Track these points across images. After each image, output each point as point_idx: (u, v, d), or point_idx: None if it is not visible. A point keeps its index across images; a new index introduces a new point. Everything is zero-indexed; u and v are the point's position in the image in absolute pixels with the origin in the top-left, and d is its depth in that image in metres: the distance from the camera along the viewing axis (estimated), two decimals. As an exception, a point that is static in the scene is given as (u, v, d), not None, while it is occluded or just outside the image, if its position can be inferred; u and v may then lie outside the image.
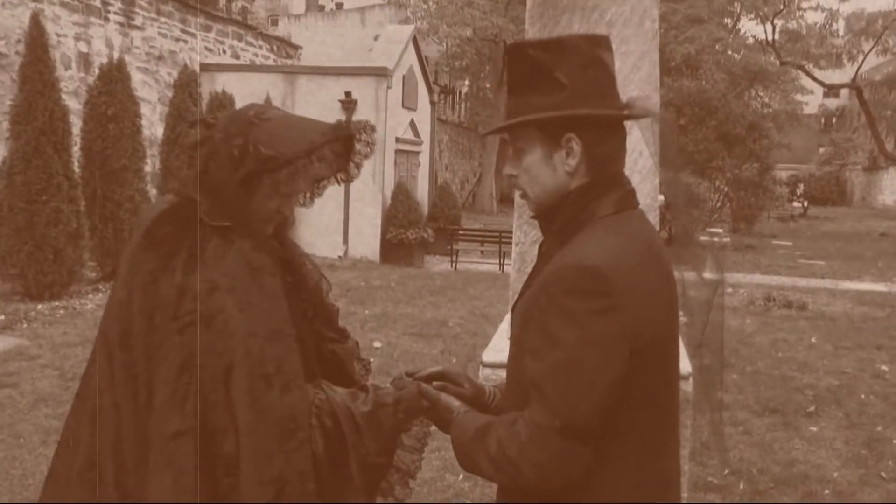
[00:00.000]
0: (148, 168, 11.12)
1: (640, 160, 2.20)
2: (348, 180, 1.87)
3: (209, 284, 1.61)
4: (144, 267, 1.65)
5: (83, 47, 12.64)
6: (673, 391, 1.52)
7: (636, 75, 2.30)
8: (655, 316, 1.41)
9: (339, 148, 1.75)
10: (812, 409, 5.99)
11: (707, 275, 1.62)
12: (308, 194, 1.89)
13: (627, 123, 1.52)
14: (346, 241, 15.34)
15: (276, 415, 1.59)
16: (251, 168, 1.67)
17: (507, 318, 2.71)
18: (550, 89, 1.45)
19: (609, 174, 1.49)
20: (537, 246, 1.64)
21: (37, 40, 9.15)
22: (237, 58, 16.98)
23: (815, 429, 5.55)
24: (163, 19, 14.58)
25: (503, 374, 1.65)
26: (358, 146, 1.79)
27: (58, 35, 11.95)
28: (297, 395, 1.62)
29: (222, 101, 12.09)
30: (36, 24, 9.21)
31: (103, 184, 10.20)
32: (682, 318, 1.58)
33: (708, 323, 1.60)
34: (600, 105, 1.45)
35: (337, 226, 15.21)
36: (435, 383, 1.73)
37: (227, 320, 1.60)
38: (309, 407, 1.64)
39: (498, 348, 2.49)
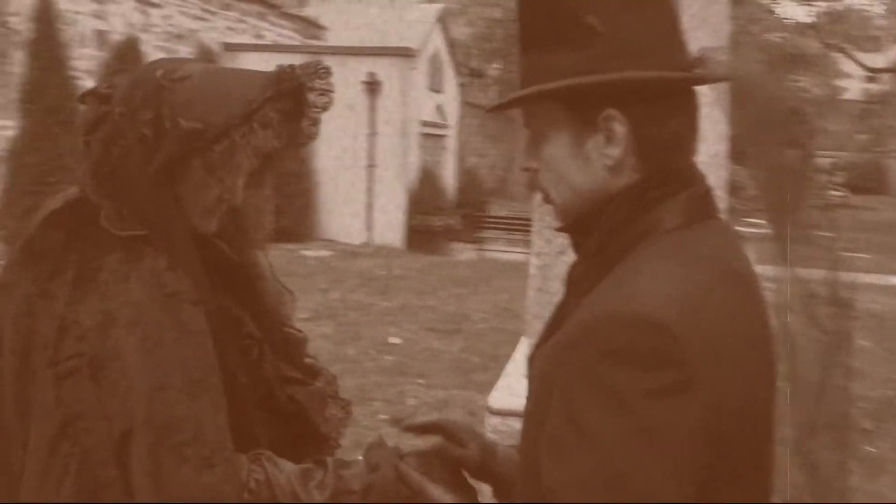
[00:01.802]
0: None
1: (702, 147, 1.68)
2: (306, 143, 1.39)
3: (102, 317, 1.16)
4: (19, 289, 1.20)
5: (100, 25, 12.27)
6: (764, 477, 1.03)
7: (700, 30, 1.72)
8: (746, 382, 0.92)
9: (286, 104, 1.28)
10: (868, 425, 5.43)
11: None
12: (262, 172, 1.42)
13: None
14: (368, 227, 14.92)
15: (192, 501, 1.14)
16: (171, 150, 1.20)
17: (518, 354, 2.20)
18: (578, 41, 0.96)
19: (673, 169, 1.00)
20: (564, 261, 1.15)
21: (45, 16, 8.82)
22: (260, 38, 16.56)
23: (872, 449, 5.02)
24: (183, -3, 14.20)
25: (515, 423, 1.17)
26: (311, 97, 1.31)
27: (74, 12, 11.60)
28: (221, 473, 1.16)
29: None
30: (44, -1, 8.86)
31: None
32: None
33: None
34: (655, 63, 0.96)
35: (360, 212, 14.80)
36: (428, 444, 1.28)
37: (124, 368, 1.14)
38: (238, 491, 1.18)
39: (507, 391, 1.99)
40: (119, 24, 12.64)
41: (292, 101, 1.30)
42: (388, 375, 6.02)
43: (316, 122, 1.37)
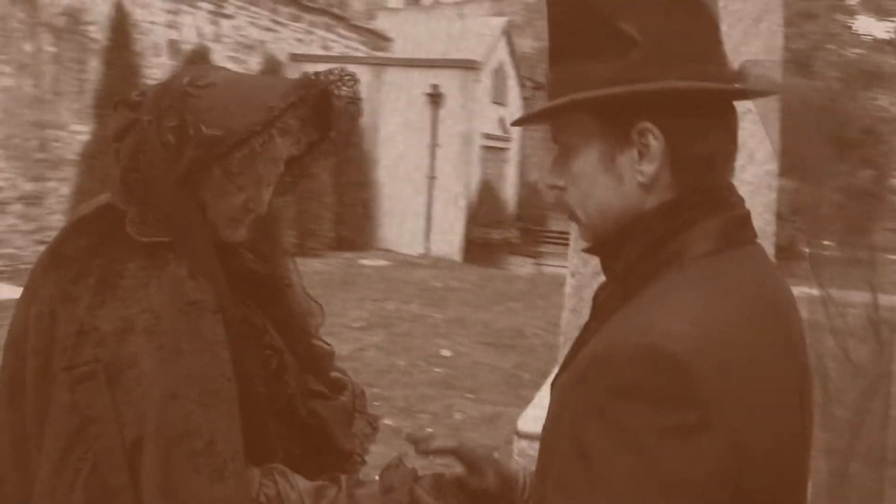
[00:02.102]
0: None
1: (750, 167, 1.59)
2: (337, 152, 1.38)
3: (121, 323, 1.15)
4: (44, 291, 1.21)
5: (173, 35, 12.64)
6: None
7: (752, 44, 1.64)
8: (773, 424, 0.86)
9: (307, 112, 1.26)
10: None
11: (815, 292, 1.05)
12: (289, 178, 1.41)
13: (740, 108, 0.97)
14: (427, 238, 14.95)
15: (202, 514, 1.12)
16: (194, 157, 1.19)
17: (552, 378, 2.12)
18: (613, 50, 0.91)
19: (708, 188, 0.94)
20: (601, 282, 1.10)
21: (120, 25, 9.11)
22: (327, 49, 16.80)
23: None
24: (253, 8, 14.51)
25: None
26: (339, 104, 1.29)
27: (148, 22, 11.97)
28: (232, 485, 1.14)
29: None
30: (119, 9, 9.15)
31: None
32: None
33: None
34: (695, 74, 0.90)
35: (419, 222, 14.84)
36: (450, 473, 1.24)
37: (140, 375, 1.13)
38: (249, 504, 1.16)
39: (537, 415, 1.93)
40: (191, 34, 12.99)
41: (315, 108, 1.29)
42: (437, 388, 5.98)
43: (346, 131, 1.35)
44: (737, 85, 0.92)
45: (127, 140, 1.25)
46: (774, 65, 1.66)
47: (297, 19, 15.86)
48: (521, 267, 15.49)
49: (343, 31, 17.62)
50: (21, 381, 1.20)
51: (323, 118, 1.33)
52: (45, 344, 1.17)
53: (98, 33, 11.10)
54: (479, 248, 15.10)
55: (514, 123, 1.06)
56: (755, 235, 0.99)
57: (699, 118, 0.91)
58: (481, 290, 11.22)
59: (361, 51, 18.20)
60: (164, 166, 1.21)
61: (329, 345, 1.56)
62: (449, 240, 15.06)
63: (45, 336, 1.17)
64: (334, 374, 1.54)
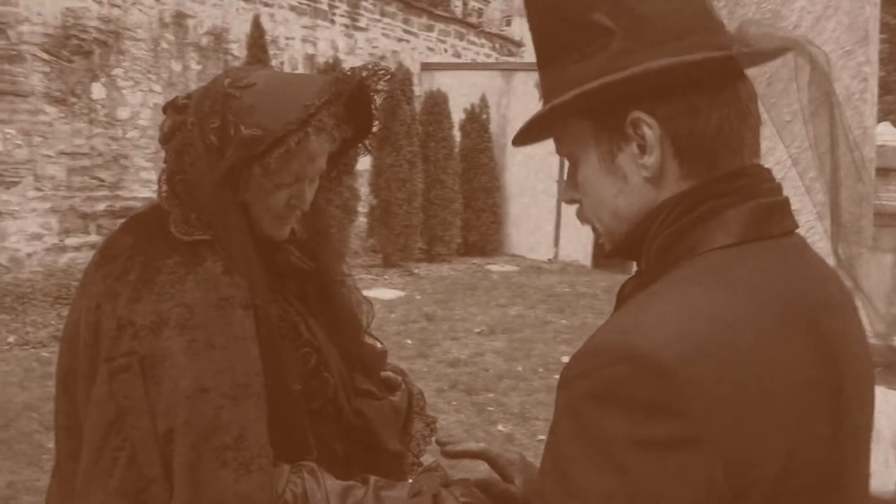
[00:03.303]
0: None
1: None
2: (376, 146, 1.38)
3: (156, 317, 1.19)
4: (93, 288, 1.27)
5: (309, 49, 13.15)
6: None
7: (833, 19, 1.46)
8: (785, 439, 0.76)
9: (340, 110, 1.26)
10: None
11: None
12: (333, 172, 1.42)
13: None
14: (556, 243, 14.77)
15: (226, 507, 1.14)
16: (234, 157, 1.22)
17: None
18: (591, 45, 0.85)
19: (727, 175, 0.85)
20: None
21: (257, 41, 9.55)
22: (458, 56, 16.97)
23: None
24: (386, 20, 14.87)
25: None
26: (377, 99, 1.29)
27: (286, 38, 12.52)
28: (258, 480, 1.15)
29: (436, 99, 12.07)
30: (256, 25, 9.61)
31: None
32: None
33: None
34: (679, 50, 0.82)
35: (548, 228, 14.69)
36: (475, 478, 1.20)
37: (172, 368, 1.17)
38: (274, 500, 1.16)
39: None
40: (327, 48, 13.48)
41: (350, 104, 1.29)
42: (553, 395, 5.86)
43: (384, 124, 1.36)
44: (733, 50, 0.82)
45: (173, 142, 1.29)
46: (862, 45, 1.49)
47: (429, 29, 16.12)
48: (655, 273, 15.01)
49: (474, 38, 17.75)
50: (75, 372, 1.26)
51: (359, 114, 1.33)
52: (92, 338, 1.23)
53: (239, 51, 11.74)
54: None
55: (515, 144, 1.01)
56: (793, 225, 0.89)
57: (694, 95, 0.83)
58: (609, 296, 10.94)
59: (493, 57, 18.26)
60: (207, 167, 1.24)
61: (381, 344, 1.55)
62: (578, 245, 14.81)
63: (92, 330, 1.23)
64: (386, 373, 1.53)
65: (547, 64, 0.90)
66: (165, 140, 1.30)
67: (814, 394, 0.80)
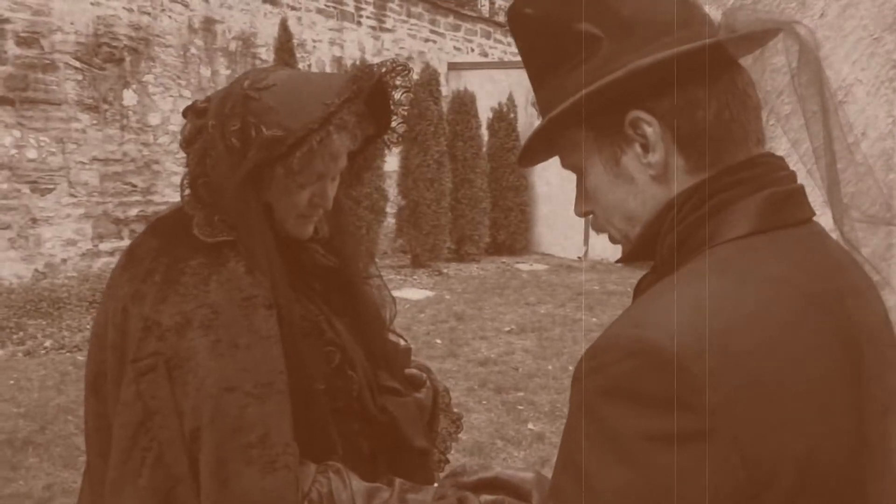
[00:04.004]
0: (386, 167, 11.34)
1: (861, 144, 1.41)
2: (396, 142, 1.38)
3: (181, 318, 1.20)
4: (120, 290, 1.28)
5: (336, 51, 13.23)
6: None
7: (860, 5, 1.43)
8: (805, 431, 0.74)
9: (361, 107, 1.26)
10: None
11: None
12: (354, 171, 1.43)
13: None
14: (586, 241, 14.70)
15: (252, 504, 1.15)
16: (256, 158, 1.23)
17: None
18: (581, 54, 0.85)
19: (736, 166, 0.84)
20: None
21: (285, 45, 9.62)
22: (485, 55, 16.97)
23: None
24: (412, 21, 14.91)
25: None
26: (396, 95, 1.30)
27: (314, 41, 12.61)
28: (283, 478, 1.16)
29: (463, 99, 12.06)
30: (284, 29, 9.68)
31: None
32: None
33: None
34: (666, 46, 0.82)
35: (577, 226, 14.61)
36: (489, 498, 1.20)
37: (196, 369, 1.18)
38: (298, 499, 1.17)
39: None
40: (354, 49, 13.55)
41: (370, 102, 1.29)
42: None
43: (405, 120, 1.37)
44: (717, 38, 0.82)
45: (195, 146, 1.31)
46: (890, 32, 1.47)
47: (455, 28, 16.14)
48: (687, 270, 14.88)
49: (500, 37, 17.72)
50: (103, 374, 1.28)
51: (380, 111, 1.33)
52: (119, 339, 1.24)
53: (267, 54, 11.84)
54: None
55: (520, 164, 1.01)
56: (809, 213, 0.88)
57: (688, 88, 0.82)
58: (641, 293, 10.87)
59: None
60: (229, 169, 1.25)
61: (406, 341, 1.55)
62: (608, 243, 14.71)
63: (119, 331, 1.24)
64: (410, 370, 1.53)
65: (541, 80, 0.91)
66: (187, 144, 1.32)
67: (836, 386, 0.78)
